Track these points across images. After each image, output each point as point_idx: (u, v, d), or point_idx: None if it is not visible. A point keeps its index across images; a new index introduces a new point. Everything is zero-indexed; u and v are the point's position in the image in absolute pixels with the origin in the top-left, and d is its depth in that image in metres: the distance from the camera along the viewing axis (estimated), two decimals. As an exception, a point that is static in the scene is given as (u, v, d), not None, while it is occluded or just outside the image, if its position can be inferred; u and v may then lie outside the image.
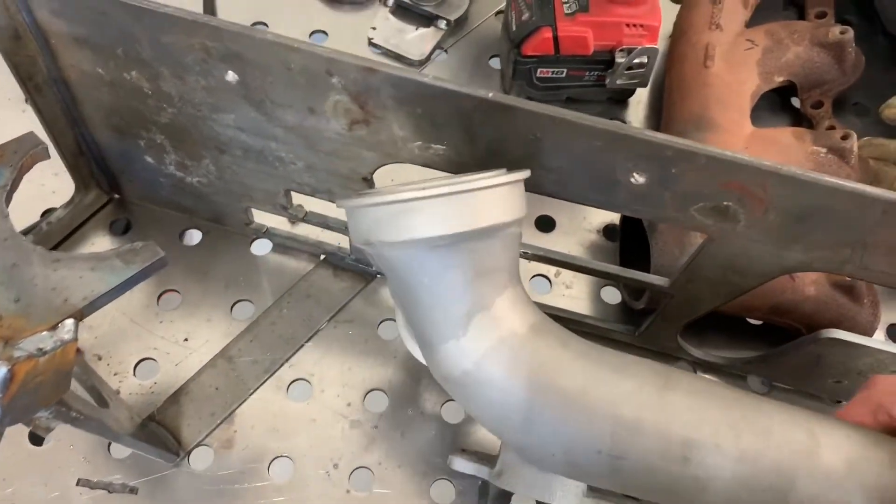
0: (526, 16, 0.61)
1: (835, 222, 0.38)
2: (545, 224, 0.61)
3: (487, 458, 0.46)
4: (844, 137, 0.57)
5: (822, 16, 0.69)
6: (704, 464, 0.36)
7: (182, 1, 0.67)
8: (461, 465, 0.45)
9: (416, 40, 0.68)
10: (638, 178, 0.39)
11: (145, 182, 0.55)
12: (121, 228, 0.58)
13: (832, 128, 0.63)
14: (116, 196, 0.58)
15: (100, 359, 0.52)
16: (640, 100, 0.68)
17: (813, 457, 0.35)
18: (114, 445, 0.49)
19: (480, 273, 0.36)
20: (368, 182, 0.46)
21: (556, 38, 0.60)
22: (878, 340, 0.47)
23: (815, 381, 0.52)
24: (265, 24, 0.69)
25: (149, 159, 0.52)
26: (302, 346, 0.54)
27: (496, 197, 0.35)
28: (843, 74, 0.65)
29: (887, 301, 0.58)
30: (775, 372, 0.54)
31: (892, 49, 0.73)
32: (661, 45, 0.62)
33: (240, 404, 0.51)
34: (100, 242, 0.57)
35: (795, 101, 0.68)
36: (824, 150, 0.57)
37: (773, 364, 0.52)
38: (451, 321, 0.36)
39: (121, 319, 0.53)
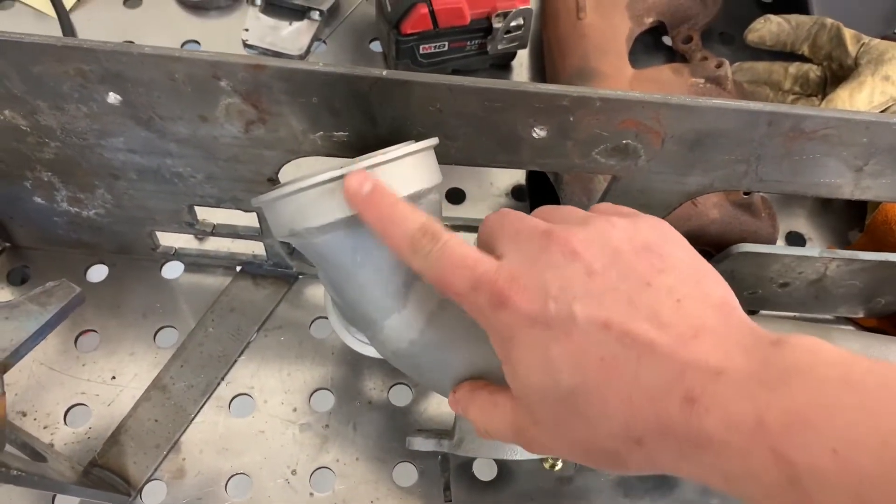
0: (398, -5, 0.61)
1: (727, 141, 0.40)
2: (456, 196, 0.62)
3: (444, 433, 0.46)
4: (718, 66, 0.60)
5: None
6: None
7: (38, 28, 0.65)
8: (420, 444, 0.46)
9: (292, 35, 0.67)
10: (539, 132, 0.40)
11: (38, 225, 0.52)
12: (18, 278, 0.55)
13: (705, 59, 0.66)
14: (8, 245, 0.55)
15: (25, 415, 0.49)
16: (522, 62, 0.70)
17: None
18: (59, 498, 0.47)
19: None
20: (274, 182, 0.45)
21: (432, 13, 0.60)
22: (782, 247, 0.50)
23: (732, 296, 0.55)
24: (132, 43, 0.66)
25: (39, 200, 0.49)
26: (235, 361, 0.53)
27: (413, 165, 0.35)
28: (705, 7, 0.68)
29: (781, 212, 0.62)
30: (695, 296, 0.57)
31: (745, -22, 0.78)
32: (533, 4, 0.64)
33: (183, 431, 0.50)
34: (-1, 296, 0.54)
35: (667, 40, 0.71)
36: (702, 80, 0.60)
37: (691, 289, 0.55)
38: (390, 294, 0.36)
39: (39, 370, 0.51)
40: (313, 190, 0.34)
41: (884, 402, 0.22)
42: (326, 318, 0.54)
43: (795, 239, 0.62)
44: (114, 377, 0.51)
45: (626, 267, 0.28)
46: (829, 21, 0.62)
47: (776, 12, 0.65)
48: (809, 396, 0.23)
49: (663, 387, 0.26)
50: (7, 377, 0.49)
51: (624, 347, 0.27)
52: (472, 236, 0.59)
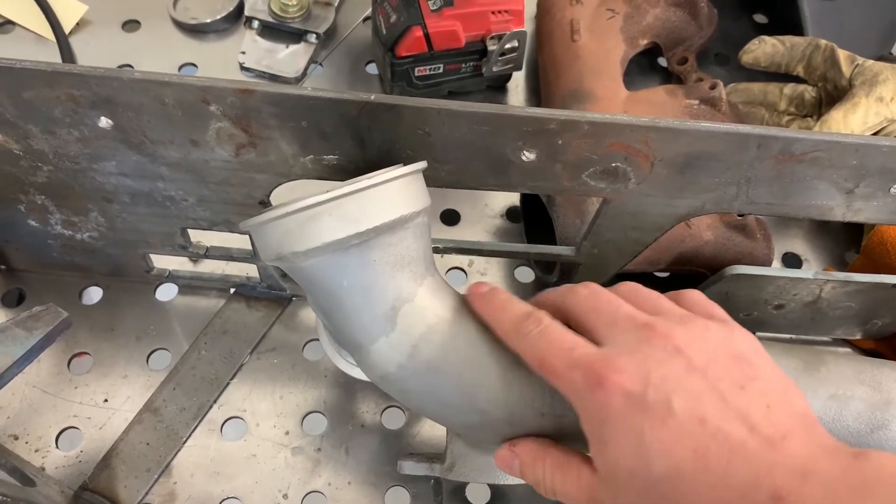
0: (394, 18, 0.61)
1: (717, 164, 0.40)
2: (450, 217, 0.62)
3: (436, 457, 0.46)
4: (713, 87, 0.60)
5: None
6: None
7: (38, 52, 0.66)
8: (411, 468, 0.45)
9: (288, 58, 0.67)
10: (528, 155, 0.40)
11: (32, 247, 0.53)
12: (14, 300, 0.55)
13: (700, 80, 0.66)
14: (3, 267, 0.55)
15: (16, 438, 0.49)
16: (517, 84, 0.70)
17: None
18: (48, 524, 0.47)
19: (398, 266, 0.36)
20: (266, 205, 0.45)
21: (427, 36, 0.60)
22: (777, 269, 0.50)
23: (728, 318, 0.55)
24: (130, 67, 0.67)
25: (33, 223, 0.50)
26: (228, 384, 0.52)
27: (399, 189, 0.35)
28: (699, 29, 0.68)
29: (778, 233, 0.62)
30: (690, 318, 0.57)
31: (741, 0, 0.78)
32: (527, 26, 0.64)
33: (175, 455, 0.50)
34: (-6, 319, 0.54)
35: (662, 61, 0.71)
36: (696, 101, 0.60)
37: (686, 310, 0.54)
38: (378, 319, 0.36)
39: (31, 393, 0.51)
40: (299, 214, 0.34)
41: None
42: (318, 340, 0.54)
43: (792, 260, 0.62)
44: (106, 400, 0.51)
45: (722, 370, 0.30)
46: (823, 42, 0.62)
47: (771, 33, 0.65)
48: None
49: (752, 483, 0.27)
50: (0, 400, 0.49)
51: (717, 442, 0.28)
52: (465, 258, 0.59)
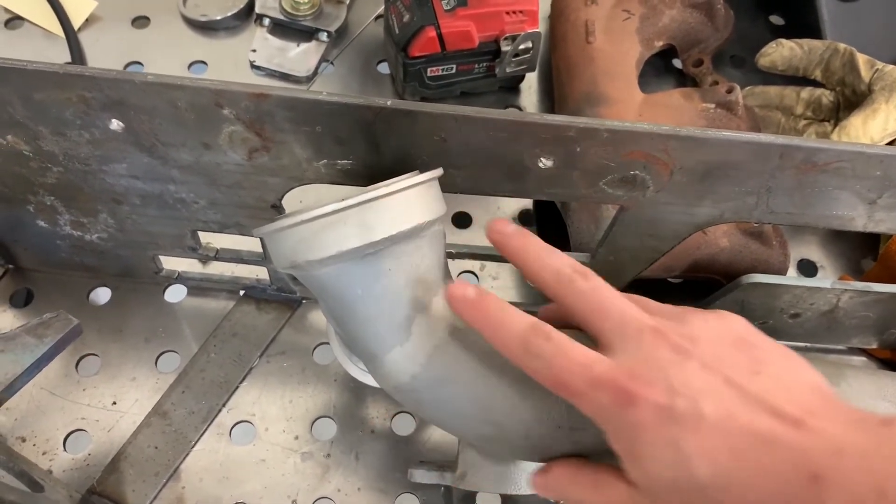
0: (407, 17, 0.60)
1: (737, 173, 0.39)
2: (462, 220, 0.61)
3: (447, 465, 0.45)
4: (729, 91, 0.59)
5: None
6: None
7: (47, 48, 0.65)
8: (422, 476, 0.45)
9: (299, 56, 0.67)
10: (546, 162, 0.40)
11: (41, 247, 0.52)
12: (22, 300, 0.55)
13: (716, 83, 0.66)
14: (11, 266, 0.55)
15: (24, 440, 0.49)
16: (530, 85, 0.69)
17: None
18: (55, 529, 0.46)
19: (413, 275, 0.35)
20: (278, 209, 0.45)
21: (440, 36, 0.60)
22: (793, 277, 0.49)
23: (742, 326, 0.54)
24: (140, 64, 0.67)
25: (41, 223, 0.49)
26: (237, 387, 0.52)
27: (415, 197, 0.35)
28: (716, 31, 0.67)
29: (793, 239, 0.61)
30: (704, 325, 0.56)
31: (758, 1, 0.77)
32: (541, 27, 0.63)
33: (183, 459, 0.49)
34: (0, 319, 0.53)
35: (677, 63, 0.71)
36: (713, 105, 0.59)
37: (701, 318, 0.54)
38: (393, 328, 0.35)
39: (39, 395, 0.50)
40: (314, 222, 0.33)
41: None
42: (329, 343, 0.53)
43: (807, 267, 0.61)
44: (114, 402, 0.51)
45: (732, 359, 0.31)
46: (841, 46, 0.61)
47: (788, 35, 0.64)
48: None
49: (790, 468, 0.27)
50: (7, 402, 0.49)
51: (750, 436, 0.28)
52: (477, 262, 0.58)
